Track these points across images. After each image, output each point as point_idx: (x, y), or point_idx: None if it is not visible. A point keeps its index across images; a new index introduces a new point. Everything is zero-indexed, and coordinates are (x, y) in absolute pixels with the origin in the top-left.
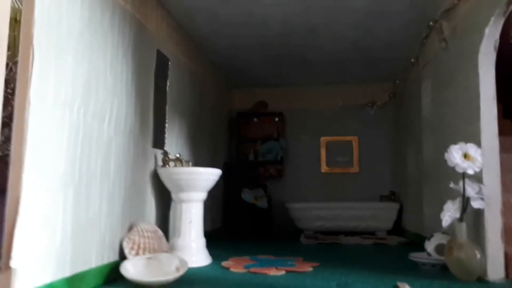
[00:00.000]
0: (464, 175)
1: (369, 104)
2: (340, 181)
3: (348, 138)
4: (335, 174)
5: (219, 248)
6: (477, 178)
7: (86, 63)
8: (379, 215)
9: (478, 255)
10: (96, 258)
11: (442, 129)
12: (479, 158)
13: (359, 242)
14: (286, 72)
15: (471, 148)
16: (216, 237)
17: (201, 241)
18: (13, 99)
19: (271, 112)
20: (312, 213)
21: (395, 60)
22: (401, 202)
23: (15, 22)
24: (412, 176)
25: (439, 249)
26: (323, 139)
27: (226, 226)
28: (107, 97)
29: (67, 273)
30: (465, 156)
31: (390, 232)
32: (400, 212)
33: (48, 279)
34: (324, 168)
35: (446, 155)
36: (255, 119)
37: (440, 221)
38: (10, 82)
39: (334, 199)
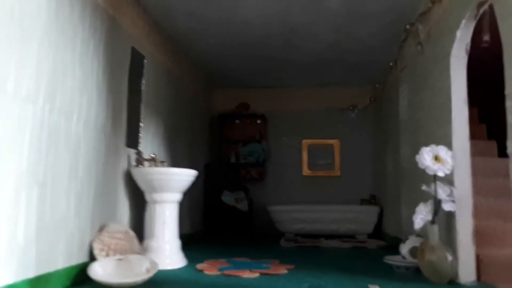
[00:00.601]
0: (435, 177)
1: (351, 108)
2: (321, 184)
3: (330, 141)
4: (316, 177)
5: (196, 251)
6: (449, 180)
7: (52, 56)
8: (359, 219)
9: (450, 258)
10: (63, 259)
11: (417, 132)
12: (449, 161)
13: (339, 246)
14: (268, 73)
15: (441, 150)
16: (196, 240)
17: (176, 243)
18: None
19: (253, 113)
20: (293, 215)
21: (375, 63)
22: (382, 206)
23: None
24: (391, 179)
25: (414, 252)
26: (305, 142)
27: (206, 228)
28: (76, 93)
29: (30, 274)
30: (436, 158)
31: (370, 236)
32: (381, 215)
33: (9, 280)
34: (306, 171)
35: (417, 157)
36: (237, 121)
37: None
38: None
39: (315, 202)
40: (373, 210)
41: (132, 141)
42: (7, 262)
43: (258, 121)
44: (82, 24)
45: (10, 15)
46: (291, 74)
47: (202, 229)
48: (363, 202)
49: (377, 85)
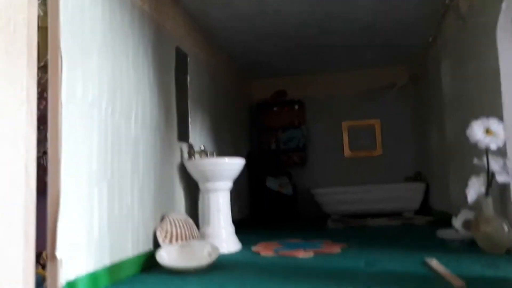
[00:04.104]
0: (487, 150)
1: (390, 86)
2: (364, 165)
3: (370, 121)
4: (358, 158)
5: (247, 235)
6: (501, 152)
7: (110, 63)
8: (405, 196)
9: (506, 229)
10: (132, 248)
11: (464, 106)
12: (501, 133)
13: (386, 223)
14: (304, 59)
15: (493, 123)
16: (244, 226)
17: (230, 228)
18: (40, 103)
19: (291, 100)
20: (337, 197)
21: (413, 41)
22: (427, 182)
23: (38, 28)
24: (436, 155)
25: (467, 225)
26: (345, 124)
27: (253, 214)
28: (132, 95)
29: (107, 262)
30: (487, 131)
31: (417, 212)
32: (427, 192)
33: (90, 268)
34: (347, 152)
35: (468, 132)
36: (275, 108)
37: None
38: (37, 86)
39: (359, 183)
40: (419, 186)
41: (183, 135)
42: (88, 252)
43: (296, 107)
44: (132, 31)
45: (73, 33)
46: (326, 59)
47: (249, 215)
48: (408, 179)
49: (415, 63)
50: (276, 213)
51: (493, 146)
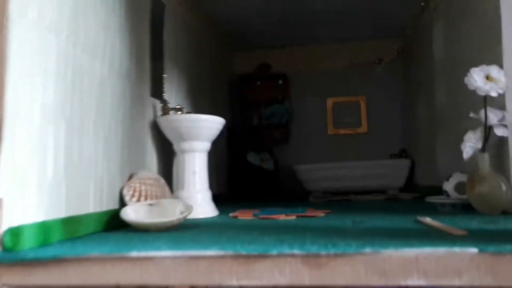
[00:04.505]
0: (485, 101)
1: (377, 62)
2: (348, 142)
3: (356, 98)
4: (343, 136)
5: (226, 206)
6: (499, 105)
7: None
8: (389, 173)
9: (504, 187)
10: (94, 203)
11: (457, 67)
12: (503, 79)
13: (370, 199)
14: (289, 29)
15: (493, 69)
16: (223, 200)
17: (207, 193)
18: None
19: (275, 74)
20: (320, 174)
21: (402, 10)
22: (413, 159)
23: None
24: (423, 128)
25: (459, 188)
26: (330, 100)
27: (233, 189)
28: (99, 32)
29: (62, 213)
30: (487, 77)
31: (402, 190)
32: (412, 169)
33: (41, 217)
34: (331, 129)
35: (466, 79)
36: (258, 82)
37: (458, 164)
38: None
39: (343, 161)
40: (404, 163)
41: (157, 91)
42: (39, 199)
43: (280, 82)
44: None
45: None
46: (311, 30)
47: (228, 190)
48: (393, 157)
49: (407, 32)
50: (257, 188)
51: (494, 93)
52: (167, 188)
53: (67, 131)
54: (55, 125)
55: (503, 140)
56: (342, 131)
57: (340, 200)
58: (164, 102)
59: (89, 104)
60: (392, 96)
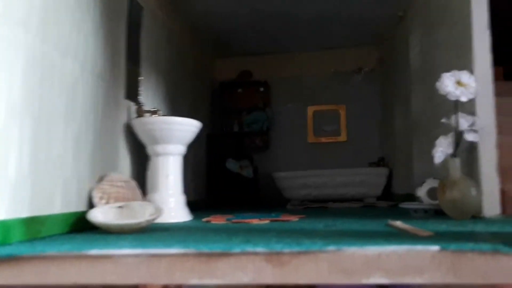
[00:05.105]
0: (456, 106)
1: (356, 71)
2: (328, 151)
3: (336, 106)
4: (322, 144)
5: (201, 213)
6: (470, 111)
7: None
8: (367, 181)
9: (474, 192)
10: (60, 204)
11: (432, 74)
12: (473, 84)
13: (347, 206)
14: (270, 37)
15: (464, 75)
16: (200, 207)
17: (180, 197)
18: None
19: (256, 81)
20: (299, 181)
21: (381, 19)
22: (391, 168)
23: None
24: (400, 136)
25: (432, 194)
26: (310, 108)
27: (211, 196)
28: (72, 31)
29: (24, 214)
30: (458, 83)
31: (379, 199)
32: (390, 178)
33: (1, 215)
34: (311, 138)
35: (438, 84)
36: (239, 90)
37: (433, 171)
38: None
39: (322, 169)
40: (382, 171)
41: (132, 93)
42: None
43: (261, 89)
44: None
45: None
46: (293, 37)
47: (206, 197)
48: (371, 165)
49: (385, 41)
50: (235, 195)
51: (464, 98)
52: (138, 191)
53: (34, 130)
54: (20, 123)
55: (473, 146)
56: (322, 140)
57: (318, 207)
58: (139, 104)
59: (59, 103)
60: (371, 105)
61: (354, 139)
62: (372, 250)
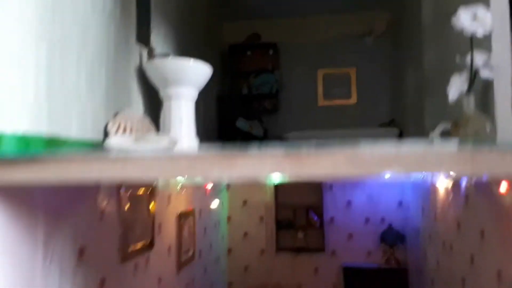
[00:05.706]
0: (472, 42)
1: (367, 34)
2: (338, 114)
3: (346, 69)
4: (332, 107)
5: None
6: (486, 48)
7: None
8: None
9: (488, 128)
10: (77, 130)
11: (444, 27)
12: (489, 20)
13: None
14: (280, 1)
15: (480, 10)
16: None
17: (194, 142)
18: None
19: (265, 43)
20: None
21: None
22: (401, 128)
23: None
24: (412, 98)
25: (445, 136)
26: (320, 71)
27: None
28: None
29: (43, 130)
30: (474, 18)
31: None
32: (400, 138)
33: (20, 129)
34: (321, 101)
35: (453, 20)
36: (248, 52)
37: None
38: None
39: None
40: (392, 131)
41: (143, 37)
42: (19, 112)
43: (270, 52)
44: None
45: None
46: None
47: None
48: (382, 126)
49: (394, 8)
50: None
51: (480, 33)
52: (152, 127)
53: (48, 54)
54: (36, 46)
55: (488, 83)
56: (332, 102)
57: None
58: (150, 48)
59: (71, 37)
60: (382, 68)
61: (364, 102)
62: (390, 146)
